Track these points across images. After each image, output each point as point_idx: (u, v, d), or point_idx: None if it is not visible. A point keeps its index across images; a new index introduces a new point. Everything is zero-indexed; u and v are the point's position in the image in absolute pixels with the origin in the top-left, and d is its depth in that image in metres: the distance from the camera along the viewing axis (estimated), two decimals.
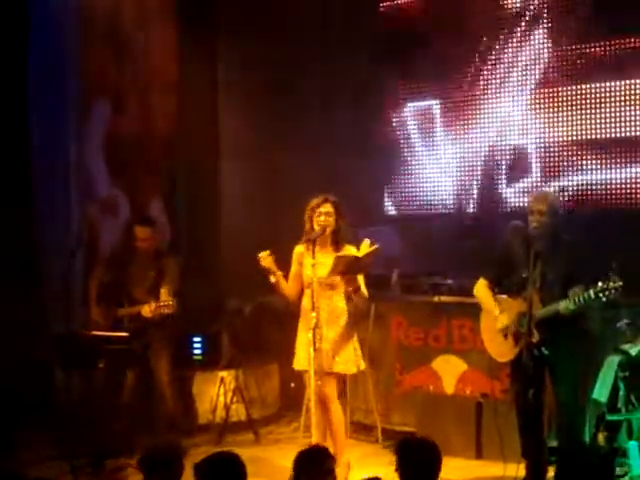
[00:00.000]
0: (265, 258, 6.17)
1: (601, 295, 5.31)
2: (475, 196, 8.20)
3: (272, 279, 6.22)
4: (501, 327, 5.82)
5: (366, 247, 6.11)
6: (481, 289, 6.03)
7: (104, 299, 7.12)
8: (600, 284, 5.30)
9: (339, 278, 6.17)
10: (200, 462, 4.16)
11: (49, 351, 7.16)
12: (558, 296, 5.53)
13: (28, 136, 7.94)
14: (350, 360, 6.22)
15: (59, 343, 6.84)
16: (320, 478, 4.31)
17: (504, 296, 5.89)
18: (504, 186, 7.99)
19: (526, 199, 6.20)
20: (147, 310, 6.84)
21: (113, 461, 6.46)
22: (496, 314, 5.86)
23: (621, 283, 5.26)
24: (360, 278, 6.23)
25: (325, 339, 6.08)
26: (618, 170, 7.32)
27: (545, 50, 7.69)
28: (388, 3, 8.62)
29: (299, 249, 6.32)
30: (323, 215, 6.18)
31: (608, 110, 7.35)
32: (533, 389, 5.62)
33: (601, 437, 6.07)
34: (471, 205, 8.23)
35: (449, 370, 6.97)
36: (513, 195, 7.91)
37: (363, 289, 6.23)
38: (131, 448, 6.64)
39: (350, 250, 6.19)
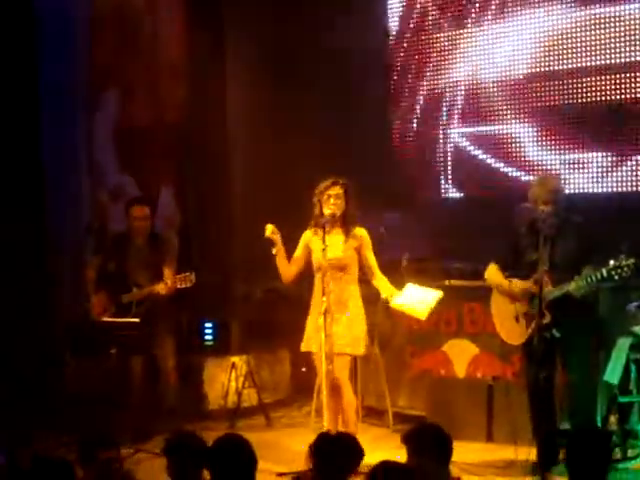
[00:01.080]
0: (271, 229, 6.16)
1: (614, 273, 5.30)
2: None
3: (273, 251, 6.21)
4: (522, 291, 5.76)
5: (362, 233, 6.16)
6: (492, 272, 6.02)
7: (106, 287, 7.06)
8: (612, 262, 5.29)
9: (349, 260, 6.17)
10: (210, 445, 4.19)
11: (60, 337, 7.20)
12: (568, 277, 5.53)
13: (38, 122, 7.94)
14: (358, 342, 6.21)
15: (70, 330, 6.88)
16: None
17: (515, 280, 5.88)
18: None
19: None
20: (164, 287, 6.80)
21: (106, 452, 6.42)
22: (507, 287, 5.85)
23: (634, 260, 5.25)
24: (372, 260, 6.23)
25: (335, 322, 6.09)
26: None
27: None
28: None
29: (307, 234, 6.31)
30: (333, 198, 6.13)
31: None
32: (544, 371, 5.63)
33: (613, 419, 6.07)
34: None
35: (460, 353, 6.96)
36: None
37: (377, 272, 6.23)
38: (143, 435, 6.70)
39: (361, 233, 6.18)
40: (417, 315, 6.21)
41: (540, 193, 5.71)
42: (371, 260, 6.23)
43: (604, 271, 5.34)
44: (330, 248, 6.09)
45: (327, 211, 6.14)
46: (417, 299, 6.16)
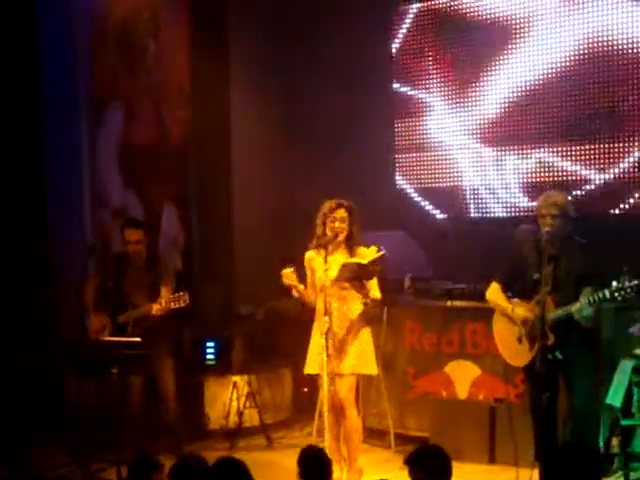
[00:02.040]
0: (288, 275, 6.12)
1: (617, 295, 5.27)
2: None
3: (295, 294, 6.21)
4: (523, 318, 5.74)
5: (372, 253, 6.11)
6: (494, 292, 6.00)
7: (104, 307, 7.02)
8: (615, 284, 5.26)
9: (346, 283, 6.16)
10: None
11: (62, 356, 7.18)
12: (571, 298, 5.51)
13: (41, 141, 7.96)
14: (364, 361, 6.19)
15: (72, 349, 6.85)
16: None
17: (516, 299, 5.86)
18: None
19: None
20: (158, 307, 6.77)
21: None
22: (509, 310, 5.82)
23: (637, 282, 5.23)
24: (373, 281, 6.24)
25: (339, 342, 6.08)
26: None
27: None
28: None
29: (309, 255, 6.30)
30: (337, 221, 6.14)
31: None
32: (547, 393, 5.60)
33: (615, 442, 6.03)
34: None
35: (462, 375, 6.95)
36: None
37: (375, 292, 6.22)
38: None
39: (365, 252, 6.18)
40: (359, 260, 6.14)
41: (543, 208, 5.69)
42: (372, 282, 6.23)
43: (607, 292, 5.32)
44: (335, 268, 6.10)
45: (330, 232, 6.15)
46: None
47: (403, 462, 4.33)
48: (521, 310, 5.76)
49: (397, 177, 8.73)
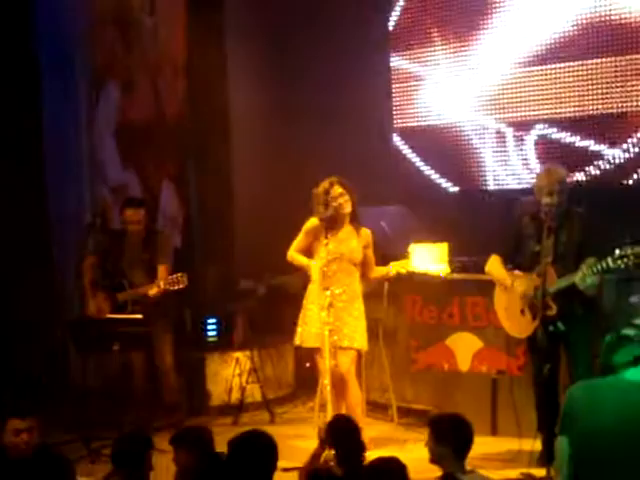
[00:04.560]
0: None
1: (620, 262, 5.25)
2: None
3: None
4: (521, 293, 5.75)
5: (368, 236, 6.30)
6: (494, 265, 6.01)
7: (103, 285, 7.02)
8: (618, 251, 5.26)
9: (361, 257, 6.27)
10: (235, 439, 4.19)
11: (64, 334, 7.19)
12: (572, 269, 5.50)
13: (39, 119, 7.93)
14: (361, 336, 6.27)
15: (74, 327, 6.86)
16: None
17: (517, 271, 5.86)
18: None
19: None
20: (155, 290, 6.75)
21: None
22: (509, 283, 5.84)
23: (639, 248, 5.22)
24: (373, 258, 6.30)
25: (341, 316, 6.12)
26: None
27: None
28: None
29: (314, 221, 6.31)
30: (339, 197, 6.19)
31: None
32: (549, 364, 5.61)
33: None
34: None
35: (464, 347, 6.96)
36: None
37: (371, 272, 6.34)
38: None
39: (367, 235, 6.30)
40: (438, 273, 6.50)
41: (544, 184, 5.68)
42: (371, 258, 6.38)
43: (610, 260, 5.30)
44: (345, 245, 6.22)
45: (335, 211, 6.20)
46: (429, 259, 6.55)
47: (427, 423, 4.44)
48: (519, 283, 5.76)
49: (397, 142, 8.69)
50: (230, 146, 9.04)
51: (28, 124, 7.80)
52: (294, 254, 6.36)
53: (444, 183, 8.49)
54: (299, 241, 6.36)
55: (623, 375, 3.99)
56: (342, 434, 4.73)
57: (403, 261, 6.42)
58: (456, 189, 8.43)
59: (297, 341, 6.38)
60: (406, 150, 8.69)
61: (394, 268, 6.36)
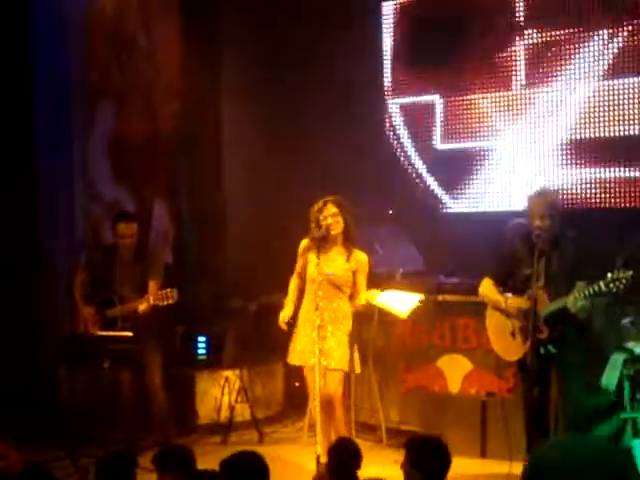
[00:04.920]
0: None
1: (612, 286, 5.27)
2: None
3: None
4: (517, 309, 5.74)
5: (364, 260, 6.28)
6: (486, 287, 6.01)
7: (93, 301, 7.01)
8: (610, 275, 5.27)
9: (345, 280, 6.23)
10: (226, 460, 4.16)
11: (54, 350, 7.16)
12: (564, 292, 5.52)
13: (32, 136, 7.93)
14: (349, 359, 6.25)
15: (65, 343, 6.83)
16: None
17: (509, 294, 5.87)
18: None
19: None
20: (145, 305, 6.74)
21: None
22: (503, 305, 5.83)
23: (631, 273, 5.24)
24: (362, 283, 6.29)
25: (329, 337, 6.11)
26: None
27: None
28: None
29: (305, 242, 6.33)
30: (330, 217, 6.20)
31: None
32: (539, 387, 5.61)
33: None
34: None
35: (454, 369, 6.96)
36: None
37: (361, 298, 6.30)
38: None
39: (360, 259, 6.26)
40: (399, 314, 6.44)
41: (537, 207, 5.70)
42: (361, 285, 6.31)
43: (602, 284, 5.32)
44: (331, 265, 6.20)
45: (324, 230, 6.19)
46: (399, 299, 6.46)
47: (403, 446, 4.32)
48: (515, 301, 5.77)
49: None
50: (222, 165, 9.07)
51: (20, 140, 7.81)
52: (291, 284, 6.41)
53: (438, 203, 8.47)
54: (297, 265, 6.37)
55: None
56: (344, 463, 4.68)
57: (374, 291, 6.39)
58: (450, 209, 8.40)
59: (293, 360, 6.39)
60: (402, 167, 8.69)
61: (364, 298, 6.33)
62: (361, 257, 6.29)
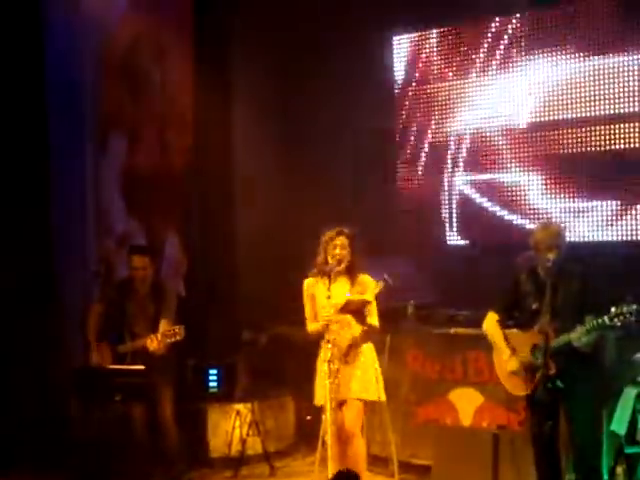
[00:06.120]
0: None
1: (616, 320, 5.25)
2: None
3: None
4: (512, 370, 5.76)
5: (372, 284, 6.20)
6: (491, 325, 5.97)
7: (106, 335, 7.04)
8: (614, 309, 5.26)
9: (361, 300, 6.21)
10: None
11: (66, 383, 7.18)
12: (570, 326, 5.50)
13: (47, 170, 8.00)
14: (370, 387, 6.21)
15: (77, 375, 6.84)
16: None
17: (514, 330, 5.86)
18: None
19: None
20: (154, 343, 6.76)
21: None
22: (506, 358, 5.81)
23: (636, 306, 5.22)
24: (372, 307, 6.26)
25: (343, 368, 6.09)
26: None
27: None
28: None
29: (308, 282, 6.33)
30: (338, 248, 6.20)
31: None
32: (549, 422, 5.59)
33: (620, 470, 6.01)
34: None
35: (466, 402, 6.94)
36: None
37: (374, 319, 6.26)
38: None
39: (366, 281, 6.23)
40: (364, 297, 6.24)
41: (543, 239, 5.69)
42: (371, 303, 6.25)
43: (606, 318, 5.30)
44: (336, 296, 6.14)
45: (332, 260, 6.18)
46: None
47: None
48: (520, 337, 5.76)
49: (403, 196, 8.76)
50: (234, 198, 9.10)
51: (35, 172, 7.88)
52: (310, 326, 6.32)
53: (446, 235, 8.48)
54: (307, 309, 6.34)
55: None
56: None
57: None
58: (461, 242, 8.41)
59: (316, 401, 6.28)
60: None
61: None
62: (364, 277, 6.26)
